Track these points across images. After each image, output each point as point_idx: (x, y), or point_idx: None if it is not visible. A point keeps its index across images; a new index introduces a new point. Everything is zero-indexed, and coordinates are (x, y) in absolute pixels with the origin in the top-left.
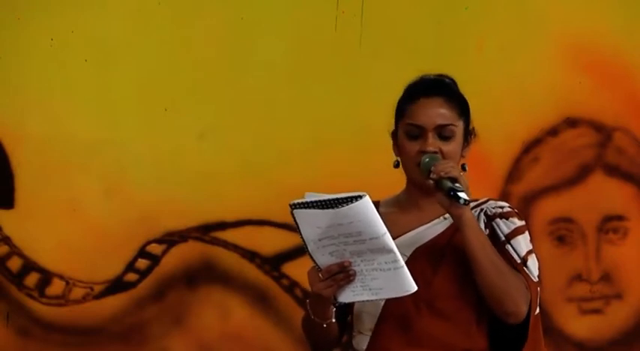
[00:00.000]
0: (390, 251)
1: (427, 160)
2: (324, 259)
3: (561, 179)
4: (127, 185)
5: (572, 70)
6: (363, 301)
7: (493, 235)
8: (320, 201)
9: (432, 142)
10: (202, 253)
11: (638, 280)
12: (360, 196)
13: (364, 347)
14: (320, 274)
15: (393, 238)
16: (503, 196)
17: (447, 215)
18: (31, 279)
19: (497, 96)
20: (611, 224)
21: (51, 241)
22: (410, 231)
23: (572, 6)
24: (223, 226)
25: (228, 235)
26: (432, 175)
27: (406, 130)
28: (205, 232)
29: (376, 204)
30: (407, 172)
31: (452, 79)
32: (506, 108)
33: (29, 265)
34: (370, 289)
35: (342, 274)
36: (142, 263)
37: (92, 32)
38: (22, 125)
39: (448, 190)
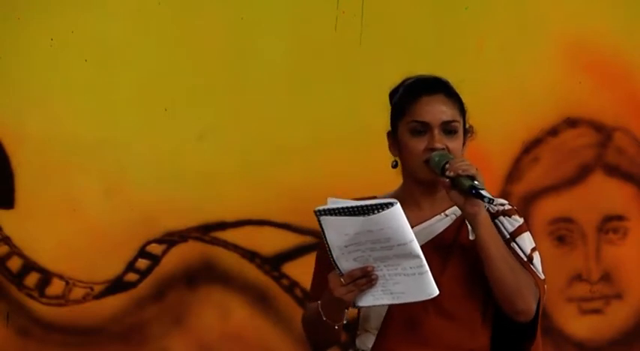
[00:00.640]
0: (417, 257)
1: (437, 158)
2: (348, 265)
3: (561, 179)
4: (127, 185)
5: (572, 70)
6: (383, 305)
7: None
8: (349, 207)
9: (439, 139)
10: (202, 253)
11: (638, 280)
12: (392, 204)
13: (370, 345)
14: (342, 279)
15: None
16: (504, 196)
17: (447, 212)
18: (31, 279)
19: (497, 96)
20: (611, 224)
21: (51, 241)
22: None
23: (572, 6)
24: (223, 226)
25: (228, 235)
26: (448, 173)
27: (410, 127)
28: (205, 232)
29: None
30: (410, 170)
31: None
32: (506, 108)
33: (29, 265)
34: (391, 294)
35: (365, 279)
36: (142, 263)
37: (92, 32)
38: (22, 125)
39: (469, 188)
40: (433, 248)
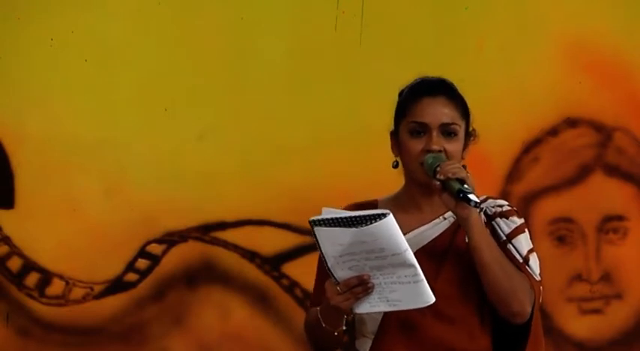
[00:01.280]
0: (411, 266)
1: (431, 160)
2: (343, 274)
3: (561, 179)
4: (127, 185)
5: (572, 70)
6: (380, 312)
7: (494, 235)
8: (342, 218)
9: (437, 141)
10: (202, 253)
11: (638, 280)
12: (385, 214)
13: (367, 350)
14: (338, 288)
15: None
16: (503, 196)
17: (446, 215)
18: (31, 279)
19: (497, 96)
20: (611, 224)
21: (51, 241)
22: (410, 231)
23: (572, 6)
24: (223, 226)
25: (228, 235)
26: (438, 176)
27: (410, 128)
28: (205, 232)
29: (374, 203)
30: (409, 171)
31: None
32: (506, 108)
33: (29, 265)
34: (388, 301)
35: (361, 287)
36: (142, 263)
37: (92, 32)
38: (22, 125)
39: (457, 191)
40: (430, 251)
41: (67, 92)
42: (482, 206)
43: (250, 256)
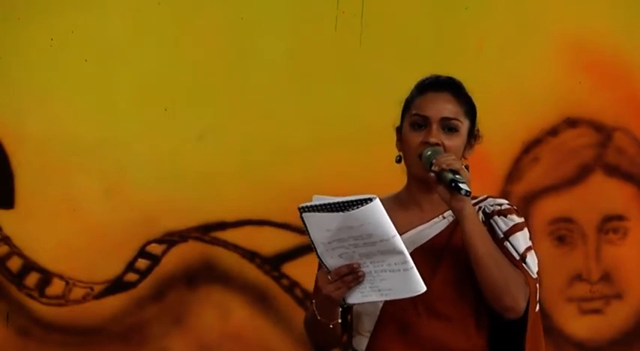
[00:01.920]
0: (400, 253)
1: (429, 153)
2: (334, 262)
3: (561, 179)
4: (127, 185)
5: (572, 70)
6: (371, 302)
7: (491, 233)
8: (329, 204)
9: (436, 134)
10: (202, 253)
11: (638, 280)
12: (371, 199)
13: (363, 348)
14: (329, 276)
15: None
16: (503, 196)
17: (445, 214)
18: (31, 279)
19: (497, 96)
20: (611, 224)
21: (51, 241)
22: (410, 230)
23: (572, 6)
24: (223, 226)
25: (228, 235)
26: (433, 168)
27: (411, 120)
28: (205, 232)
29: None
30: (408, 165)
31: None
32: (506, 108)
33: (29, 265)
34: (379, 290)
35: (352, 276)
36: (142, 263)
37: (92, 32)
38: (22, 125)
39: (450, 181)
40: (428, 250)
41: (67, 92)
42: (481, 205)
43: (250, 256)
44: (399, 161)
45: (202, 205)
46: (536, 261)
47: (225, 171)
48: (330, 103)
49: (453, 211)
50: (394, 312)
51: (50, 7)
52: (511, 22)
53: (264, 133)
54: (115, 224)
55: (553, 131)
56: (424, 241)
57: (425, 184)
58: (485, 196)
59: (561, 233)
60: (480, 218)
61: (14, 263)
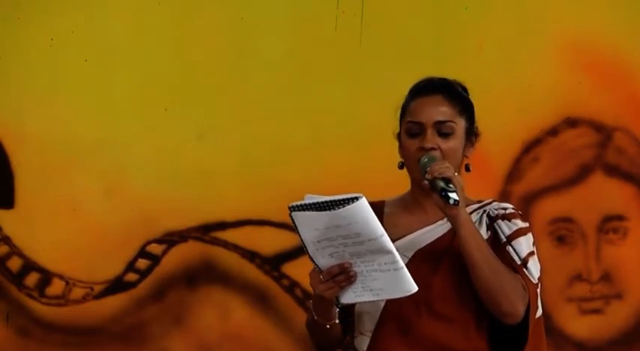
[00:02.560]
0: (389, 252)
1: (425, 160)
2: (325, 261)
3: (561, 179)
4: (127, 185)
5: (572, 70)
6: (365, 301)
7: (495, 236)
8: (317, 203)
9: (431, 139)
10: (202, 253)
11: (638, 280)
12: (357, 198)
13: (365, 348)
14: (321, 276)
15: (395, 240)
16: (503, 196)
17: None
18: (31, 279)
19: (497, 96)
20: (611, 224)
21: (51, 241)
22: (412, 233)
23: (572, 6)
24: (223, 226)
25: (228, 235)
26: (426, 176)
27: (407, 128)
28: (205, 232)
29: (381, 204)
30: (409, 171)
31: (457, 81)
32: (506, 108)
33: (29, 265)
34: (371, 290)
35: (343, 276)
36: (142, 263)
37: (92, 32)
38: (22, 125)
39: (440, 190)
40: (429, 252)
41: (67, 92)
42: (486, 208)
43: (250, 256)
44: (401, 167)
45: (202, 205)
46: (539, 266)
47: (225, 171)
48: (330, 103)
49: (448, 219)
50: (395, 312)
51: (50, 7)
52: (511, 22)
53: (264, 133)
54: (115, 224)
55: (553, 131)
56: (427, 243)
57: (423, 189)
58: (490, 200)
59: (561, 233)
60: (485, 222)
61: (14, 263)
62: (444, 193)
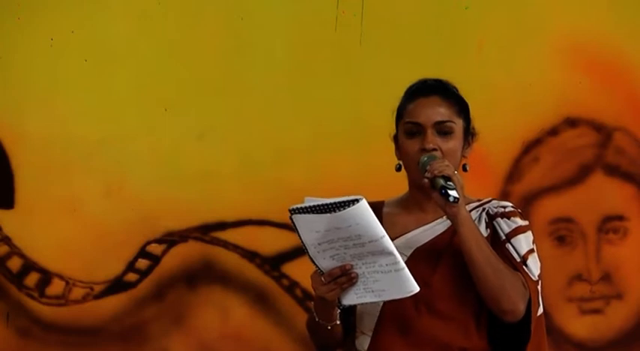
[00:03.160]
0: (390, 253)
1: (425, 159)
2: (326, 263)
3: (561, 179)
4: (127, 185)
5: (572, 70)
6: (366, 303)
7: (494, 234)
8: (317, 206)
9: (431, 139)
10: (202, 253)
11: (638, 280)
12: (357, 200)
13: (366, 347)
14: (322, 278)
15: (394, 239)
16: (503, 196)
17: None
18: (31, 279)
19: (497, 96)
20: (611, 224)
21: (51, 241)
22: (410, 231)
23: (572, 6)
24: (223, 226)
25: (228, 235)
26: (426, 174)
27: (405, 129)
28: (205, 232)
29: (381, 204)
30: (408, 172)
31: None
32: (506, 108)
33: (29, 265)
34: (373, 291)
35: (344, 277)
36: (142, 263)
37: (92, 32)
38: (22, 125)
39: (440, 188)
40: (428, 250)
41: (67, 92)
42: (485, 207)
43: (250, 256)
44: (398, 170)
45: (202, 205)
46: (539, 264)
47: (225, 171)
48: (331, 103)
49: (448, 217)
50: (395, 311)
51: (50, 7)
52: (511, 22)
53: (265, 133)
54: (115, 224)
55: (553, 131)
56: (425, 241)
57: (423, 189)
58: (489, 198)
59: (561, 233)
60: (484, 220)
61: (14, 263)
62: (444, 191)
